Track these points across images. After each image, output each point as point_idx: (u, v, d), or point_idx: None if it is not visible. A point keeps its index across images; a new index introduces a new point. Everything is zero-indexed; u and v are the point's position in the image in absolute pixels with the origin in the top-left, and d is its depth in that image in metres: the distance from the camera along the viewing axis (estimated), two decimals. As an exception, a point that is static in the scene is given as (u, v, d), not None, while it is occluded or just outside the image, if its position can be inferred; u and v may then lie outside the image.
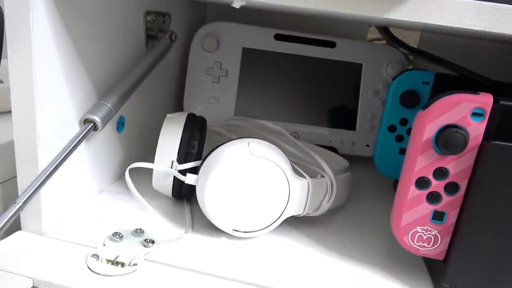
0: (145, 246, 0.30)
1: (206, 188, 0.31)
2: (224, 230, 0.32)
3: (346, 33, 0.56)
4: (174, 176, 0.34)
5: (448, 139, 0.26)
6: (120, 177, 0.42)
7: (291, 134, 0.53)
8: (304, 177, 0.33)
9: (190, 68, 0.52)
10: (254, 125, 0.43)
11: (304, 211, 0.34)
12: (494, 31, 0.24)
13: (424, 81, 0.40)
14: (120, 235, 0.31)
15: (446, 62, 0.40)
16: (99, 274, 0.27)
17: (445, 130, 0.26)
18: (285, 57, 0.53)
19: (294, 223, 0.37)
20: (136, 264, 0.28)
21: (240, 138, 0.33)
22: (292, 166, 0.34)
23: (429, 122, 0.26)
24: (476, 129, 0.26)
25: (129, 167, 0.32)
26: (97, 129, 0.32)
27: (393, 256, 0.34)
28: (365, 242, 0.35)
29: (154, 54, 0.40)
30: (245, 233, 0.33)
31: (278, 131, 0.40)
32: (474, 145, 0.26)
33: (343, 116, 0.53)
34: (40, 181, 0.27)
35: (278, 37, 0.52)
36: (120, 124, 0.40)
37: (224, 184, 0.31)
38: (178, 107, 0.54)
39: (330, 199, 0.35)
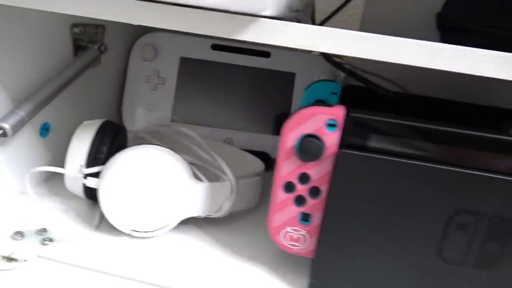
0: (42, 244, 0.33)
1: (101, 190, 0.33)
2: (123, 231, 0.35)
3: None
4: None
5: (305, 148, 0.28)
6: (47, 179, 0.44)
7: (225, 140, 0.55)
8: (201, 180, 0.36)
9: (129, 76, 0.55)
10: (175, 130, 0.46)
11: (203, 213, 0.37)
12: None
13: (332, 92, 0.42)
14: (22, 234, 0.33)
15: (355, 74, 0.43)
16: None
17: (304, 139, 0.28)
18: (222, 66, 0.55)
19: (199, 223, 0.39)
20: (26, 260, 0.30)
21: (140, 144, 0.35)
22: (193, 170, 0.36)
23: (289, 132, 0.29)
24: (331, 139, 0.28)
25: (32, 170, 0.34)
26: (6, 135, 0.35)
27: (285, 257, 0.36)
28: (262, 242, 0.38)
29: (77, 64, 0.42)
30: (144, 233, 0.35)
31: (193, 137, 0.43)
32: (331, 153, 0.28)
33: (276, 123, 0.56)
34: None
35: (215, 47, 0.55)
36: (44, 130, 0.42)
37: (118, 187, 0.33)
38: (119, 113, 0.56)
39: (230, 203, 0.37)
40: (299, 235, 0.31)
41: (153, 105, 0.55)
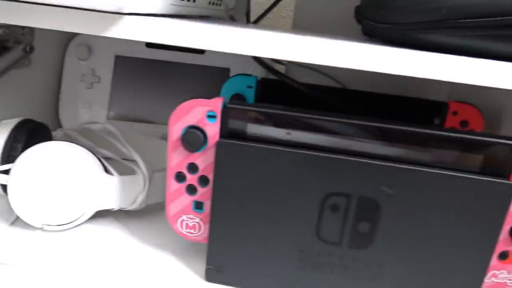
0: (-49, 239, 0.34)
1: (9, 186, 0.35)
2: (34, 226, 0.36)
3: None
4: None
5: (187, 139, 0.29)
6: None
7: (162, 136, 0.57)
8: (112, 173, 0.37)
9: (65, 75, 0.56)
10: (101, 127, 0.47)
11: (117, 205, 0.38)
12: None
13: (248, 85, 0.44)
14: None
15: (270, 68, 0.44)
16: None
17: (187, 130, 0.30)
18: (156, 64, 0.56)
19: (118, 215, 0.41)
20: None
21: (51, 141, 0.37)
22: (104, 164, 0.38)
23: (173, 124, 0.30)
24: (212, 129, 0.30)
25: None
26: None
27: (194, 246, 0.38)
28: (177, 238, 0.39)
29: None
30: (56, 227, 0.37)
31: (114, 133, 0.44)
32: (214, 143, 0.30)
33: (212, 118, 0.57)
34: None
35: (149, 45, 0.56)
36: (-33, 130, 0.43)
37: (25, 182, 0.35)
38: (57, 112, 0.57)
39: (144, 195, 0.39)
40: (194, 223, 0.32)
41: (90, 103, 0.56)
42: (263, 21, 0.65)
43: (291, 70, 0.63)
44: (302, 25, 0.59)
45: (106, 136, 0.45)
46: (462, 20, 0.24)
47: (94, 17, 0.26)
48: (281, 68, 0.62)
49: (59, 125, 0.57)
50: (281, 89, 0.44)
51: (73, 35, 0.56)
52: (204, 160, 0.30)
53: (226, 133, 0.30)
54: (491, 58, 0.25)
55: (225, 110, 0.29)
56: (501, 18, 0.23)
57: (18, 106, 0.51)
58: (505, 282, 0.30)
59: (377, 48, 0.25)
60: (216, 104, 0.29)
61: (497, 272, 0.30)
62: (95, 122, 0.47)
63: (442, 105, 0.42)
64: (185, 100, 0.30)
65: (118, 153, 0.45)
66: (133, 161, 0.41)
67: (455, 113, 0.42)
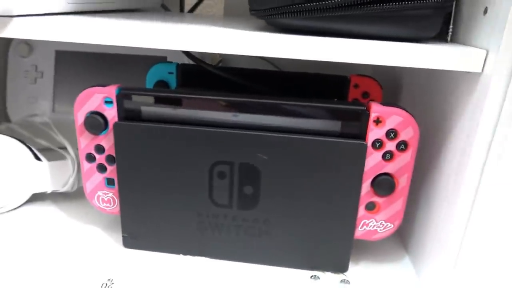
0: None
1: None
2: (-27, 209, 0.40)
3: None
4: None
5: (88, 123, 0.33)
6: None
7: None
8: (40, 159, 0.41)
9: (9, 72, 0.59)
10: (40, 120, 0.51)
11: (49, 188, 0.42)
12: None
13: (169, 72, 0.48)
14: None
15: (191, 56, 0.48)
16: None
17: (90, 116, 0.34)
18: (96, 56, 0.59)
19: (56, 198, 0.45)
20: None
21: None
22: (34, 152, 0.41)
23: (77, 111, 0.34)
24: (111, 113, 0.33)
25: None
26: None
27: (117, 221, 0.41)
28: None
29: None
30: (-6, 210, 0.41)
31: (47, 123, 0.48)
32: (112, 127, 0.34)
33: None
34: None
35: (87, 38, 0.59)
36: None
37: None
38: (4, 107, 0.60)
39: (74, 178, 0.43)
40: (109, 197, 0.37)
41: (34, 98, 0.59)
42: (200, 7, 0.68)
43: (229, 56, 0.67)
44: (232, 11, 0.63)
45: (44, 128, 0.49)
46: (302, 5, 0.28)
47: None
48: (216, 55, 0.66)
49: (8, 120, 0.60)
50: (200, 73, 0.48)
51: (14, 34, 0.59)
52: (108, 141, 0.34)
53: (123, 115, 0.33)
54: (344, 37, 0.29)
55: (119, 95, 0.33)
56: (327, 1, 0.27)
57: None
58: (376, 230, 0.34)
59: (257, 34, 0.29)
60: (111, 90, 0.33)
61: (367, 221, 0.34)
62: (35, 115, 0.51)
63: (344, 79, 0.46)
64: (87, 88, 0.33)
65: (54, 143, 0.49)
66: (63, 147, 0.45)
67: (356, 86, 0.46)
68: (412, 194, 0.38)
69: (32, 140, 0.46)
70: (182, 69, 0.48)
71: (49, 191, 0.42)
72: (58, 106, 0.60)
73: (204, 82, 0.47)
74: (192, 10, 0.62)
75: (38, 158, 0.41)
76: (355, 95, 0.46)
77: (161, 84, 0.48)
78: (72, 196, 0.45)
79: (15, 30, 0.30)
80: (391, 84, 0.48)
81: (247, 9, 0.63)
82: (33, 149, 0.42)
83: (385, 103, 0.32)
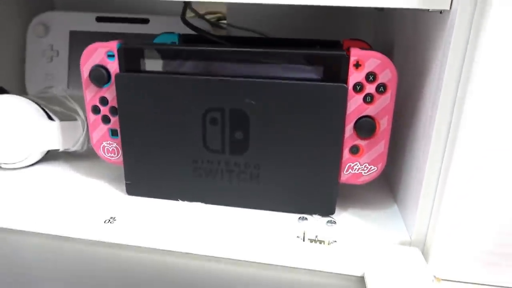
0: None
1: (-34, 132, 0.43)
2: (-7, 165, 0.44)
3: (160, 11, 0.67)
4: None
5: (92, 75, 0.36)
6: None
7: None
8: (53, 119, 0.45)
9: (28, 51, 0.63)
10: (58, 92, 0.55)
11: (61, 147, 0.45)
12: None
13: (172, 41, 0.51)
14: None
15: (193, 27, 0.51)
16: None
17: (95, 69, 0.37)
18: (107, 35, 0.63)
19: (67, 157, 0.48)
20: None
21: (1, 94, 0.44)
22: (48, 113, 0.45)
23: (83, 65, 0.37)
24: (113, 66, 0.37)
25: None
26: None
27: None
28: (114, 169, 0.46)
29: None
30: (12, 164, 0.44)
31: (61, 92, 0.52)
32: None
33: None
34: None
35: (99, 19, 0.63)
36: None
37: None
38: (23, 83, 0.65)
39: (84, 137, 0.46)
40: (113, 147, 0.40)
41: (51, 75, 0.63)
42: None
43: (232, 32, 0.70)
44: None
45: (59, 97, 0.53)
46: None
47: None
48: (222, 32, 0.69)
49: (25, 94, 0.65)
50: (200, 42, 0.51)
51: (30, 17, 0.63)
52: (111, 93, 0.37)
53: (124, 69, 0.36)
54: None
55: (121, 49, 0.36)
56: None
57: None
58: (360, 173, 0.36)
59: None
60: (112, 45, 0.36)
61: (352, 164, 0.36)
62: (51, 87, 0.55)
63: (337, 43, 0.48)
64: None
65: (68, 109, 0.53)
66: (75, 110, 0.48)
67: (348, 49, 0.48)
68: (398, 141, 0.40)
69: (47, 106, 0.50)
70: (183, 38, 0.50)
71: (61, 149, 0.46)
72: (72, 82, 0.64)
73: (204, 50, 0.50)
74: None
75: (51, 118, 0.45)
76: (347, 58, 0.48)
77: (165, 54, 0.51)
78: (82, 155, 0.49)
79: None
80: (387, 47, 0.50)
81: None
82: (46, 110, 0.45)
83: (365, 48, 0.34)
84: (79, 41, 0.63)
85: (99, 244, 0.34)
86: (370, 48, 0.47)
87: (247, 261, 0.33)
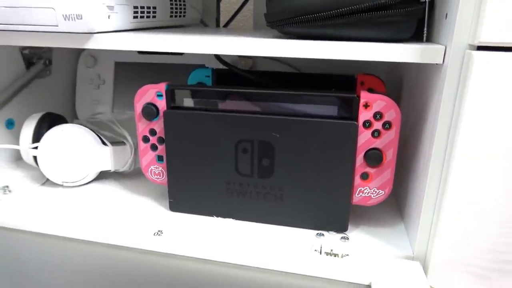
0: (4, 193, 0.50)
1: (38, 155, 0.50)
2: (56, 182, 0.52)
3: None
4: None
5: (144, 112, 0.44)
6: (18, 159, 0.62)
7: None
8: (107, 145, 0.52)
9: (78, 80, 0.72)
10: (104, 117, 0.63)
11: (112, 168, 0.53)
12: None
13: (206, 75, 0.58)
14: (-9, 188, 0.51)
15: (224, 62, 0.58)
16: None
17: (146, 106, 0.44)
18: (147, 65, 0.71)
19: (116, 176, 0.56)
20: (-10, 201, 0.48)
21: (64, 124, 0.52)
22: (101, 138, 0.53)
23: (136, 102, 0.44)
24: (161, 104, 0.44)
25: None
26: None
27: (165, 192, 0.52)
28: (156, 188, 0.54)
29: (26, 76, 0.60)
30: (71, 183, 0.52)
31: (111, 120, 0.59)
32: (163, 114, 0.44)
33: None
34: None
35: (140, 52, 0.71)
36: (10, 124, 0.60)
37: (47, 151, 0.50)
38: (74, 108, 0.74)
39: (131, 160, 0.53)
40: (159, 171, 0.47)
41: (98, 100, 0.72)
42: (233, 23, 0.78)
43: (259, 61, 0.77)
44: (262, 23, 0.72)
45: (107, 122, 0.61)
46: (301, 17, 0.37)
47: (76, 36, 0.41)
48: (249, 61, 0.76)
49: (75, 118, 0.73)
50: (231, 76, 0.58)
51: (81, 50, 0.72)
52: (159, 125, 0.45)
53: (171, 106, 0.44)
54: (344, 40, 0.37)
55: (168, 90, 0.43)
56: (328, 12, 0.36)
57: (46, 104, 0.67)
58: (370, 196, 0.42)
59: (274, 41, 0.38)
60: (161, 86, 0.43)
61: (362, 189, 0.42)
62: (99, 113, 0.63)
63: (352, 77, 0.54)
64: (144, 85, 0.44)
65: (116, 134, 0.61)
66: (123, 136, 0.56)
67: (362, 83, 0.54)
68: (406, 166, 0.45)
69: (98, 131, 0.58)
70: (216, 73, 0.58)
71: (112, 169, 0.53)
72: (116, 107, 0.72)
73: (235, 83, 0.57)
74: (226, 25, 0.73)
75: (104, 144, 0.53)
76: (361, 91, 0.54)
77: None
78: (129, 175, 0.57)
79: (95, 43, 0.41)
80: (397, 81, 0.55)
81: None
82: (100, 136, 0.53)
83: (373, 91, 0.40)
84: (123, 70, 0.72)
85: (150, 253, 0.41)
86: (382, 82, 0.53)
87: (272, 270, 0.40)
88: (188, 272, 0.39)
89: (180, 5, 0.59)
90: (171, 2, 0.56)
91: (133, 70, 0.72)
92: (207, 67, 0.58)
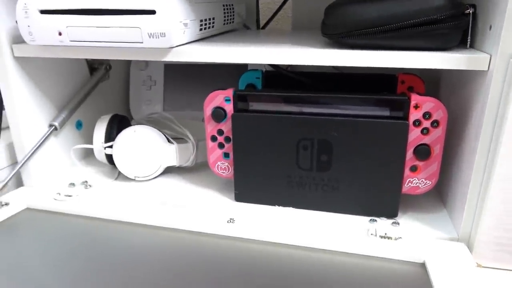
0: (85, 188, 0.57)
1: (114, 154, 0.57)
2: (129, 177, 0.58)
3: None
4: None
5: (214, 115, 0.49)
6: (85, 156, 0.68)
7: (202, 119, 0.77)
8: (173, 143, 0.58)
9: (131, 82, 0.78)
10: (160, 116, 0.69)
11: (177, 163, 0.59)
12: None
13: (256, 77, 0.63)
14: (73, 184, 0.57)
15: (273, 65, 0.63)
16: (70, 196, 0.54)
17: (214, 109, 0.50)
18: (194, 66, 0.77)
19: (178, 171, 0.62)
20: (78, 195, 0.54)
21: (136, 125, 0.58)
22: (167, 137, 0.59)
23: (206, 107, 0.50)
24: (229, 108, 0.49)
25: (74, 147, 0.58)
26: (57, 129, 0.59)
27: (229, 183, 0.58)
28: (215, 176, 0.60)
29: (92, 81, 0.66)
30: (142, 178, 0.58)
31: (170, 119, 0.65)
32: (230, 116, 0.50)
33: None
34: (32, 151, 0.54)
35: (187, 53, 0.77)
36: (79, 125, 0.66)
37: (122, 150, 0.57)
38: (128, 108, 0.80)
39: (194, 156, 0.59)
40: (225, 166, 0.53)
41: (150, 100, 0.78)
42: (271, 23, 0.83)
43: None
44: (300, 24, 0.77)
45: (164, 121, 0.67)
46: (362, 30, 0.41)
47: (158, 50, 0.47)
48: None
49: (131, 117, 0.79)
50: (279, 77, 0.63)
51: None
52: (226, 126, 0.50)
53: (237, 109, 0.49)
54: (397, 50, 0.42)
55: (235, 95, 0.49)
56: (388, 26, 0.40)
57: (106, 106, 0.74)
58: (418, 186, 0.47)
59: (322, 51, 0.43)
60: (229, 92, 0.49)
61: (411, 179, 0.47)
62: (156, 113, 0.69)
63: (393, 77, 0.59)
64: (213, 91, 0.50)
65: (173, 131, 0.67)
66: (185, 135, 0.62)
67: (403, 82, 0.59)
68: (448, 160, 0.51)
69: (162, 131, 0.64)
70: (266, 74, 0.63)
71: (177, 165, 0.60)
72: (167, 107, 0.78)
73: (283, 84, 0.62)
74: (264, 26, 0.78)
75: (170, 142, 0.59)
76: (402, 89, 0.58)
77: (250, 86, 0.64)
78: (191, 169, 0.63)
79: (174, 56, 0.46)
80: (434, 80, 0.60)
81: (311, 23, 0.77)
82: (166, 135, 0.59)
83: (422, 94, 0.45)
84: (172, 72, 0.77)
85: (226, 238, 0.47)
86: (422, 81, 0.58)
87: (336, 251, 0.45)
88: (261, 254, 0.45)
89: (230, 13, 0.64)
90: (224, 11, 0.61)
91: (181, 71, 0.77)
92: (257, 70, 0.64)
